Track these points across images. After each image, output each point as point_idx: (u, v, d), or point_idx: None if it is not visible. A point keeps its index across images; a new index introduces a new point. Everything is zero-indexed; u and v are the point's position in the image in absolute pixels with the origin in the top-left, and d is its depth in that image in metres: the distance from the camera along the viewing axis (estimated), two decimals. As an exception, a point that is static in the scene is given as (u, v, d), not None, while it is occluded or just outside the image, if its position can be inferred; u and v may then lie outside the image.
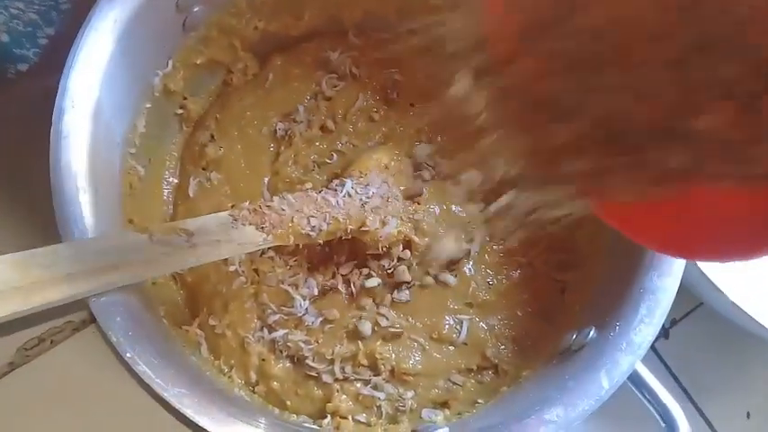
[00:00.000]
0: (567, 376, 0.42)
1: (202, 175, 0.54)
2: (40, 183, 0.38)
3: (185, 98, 0.53)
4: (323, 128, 0.56)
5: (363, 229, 0.49)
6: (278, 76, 0.57)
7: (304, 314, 0.51)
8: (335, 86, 0.57)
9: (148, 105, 0.48)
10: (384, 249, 0.50)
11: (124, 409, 0.49)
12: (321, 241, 0.49)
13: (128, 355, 0.37)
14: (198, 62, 0.52)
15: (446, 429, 0.44)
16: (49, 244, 0.36)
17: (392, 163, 0.53)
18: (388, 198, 0.50)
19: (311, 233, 0.47)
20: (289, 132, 0.55)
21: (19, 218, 0.47)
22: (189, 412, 0.37)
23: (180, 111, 0.54)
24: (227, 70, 0.55)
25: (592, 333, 0.44)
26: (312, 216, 0.47)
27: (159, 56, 0.48)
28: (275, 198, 0.47)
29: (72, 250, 0.36)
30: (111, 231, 0.40)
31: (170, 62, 0.49)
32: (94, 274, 0.36)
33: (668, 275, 0.43)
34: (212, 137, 0.55)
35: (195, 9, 0.48)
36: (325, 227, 0.47)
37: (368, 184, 0.50)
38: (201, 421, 0.37)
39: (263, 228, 0.45)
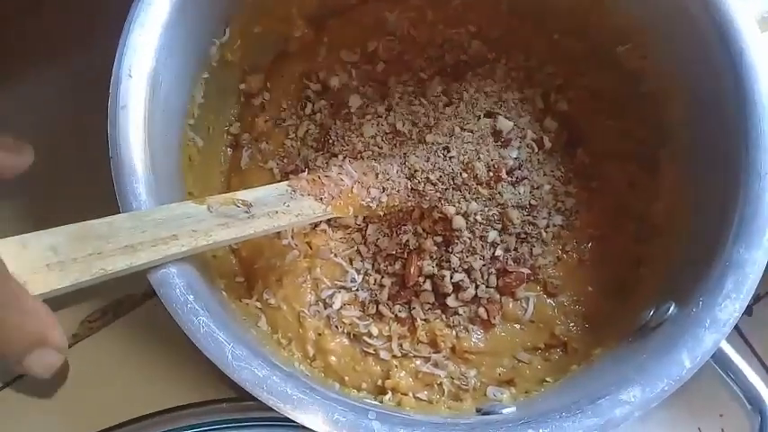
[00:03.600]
0: (645, 355, 0.39)
1: (254, 147, 0.53)
2: (99, 153, 0.37)
3: (246, 73, 0.52)
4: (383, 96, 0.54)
5: (423, 204, 0.47)
6: (333, 40, 0.55)
7: (357, 289, 0.50)
8: (392, 50, 0.55)
9: (206, 76, 0.47)
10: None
11: (184, 379, 0.50)
12: (381, 213, 0.47)
13: (187, 326, 0.36)
14: (255, 31, 0.50)
15: (513, 409, 0.42)
16: (109, 215, 0.35)
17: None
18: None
19: (371, 204, 0.46)
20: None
21: (78, 188, 0.48)
22: (247, 385, 0.36)
23: (242, 85, 0.53)
24: (284, 39, 0.54)
25: (672, 309, 0.41)
26: (372, 187, 0.45)
27: (217, 24, 0.47)
28: (334, 168, 0.46)
29: (131, 221, 0.35)
30: (170, 202, 0.40)
31: (227, 30, 0.48)
32: (153, 246, 0.35)
33: (757, 248, 0.39)
34: (263, 106, 0.54)
35: (253, -27, 0.46)
36: (385, 199, 0.46)
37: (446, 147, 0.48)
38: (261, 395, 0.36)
39: (321, 199, 0.44)
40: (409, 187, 0.48)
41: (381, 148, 0.51)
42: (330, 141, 0.52)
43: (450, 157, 0.49)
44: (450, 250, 0.49)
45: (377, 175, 0.47)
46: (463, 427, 0.37)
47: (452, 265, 0.48)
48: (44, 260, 0.31)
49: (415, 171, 0.48)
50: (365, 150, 0.51)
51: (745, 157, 0.41)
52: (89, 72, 0.43)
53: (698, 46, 0.45)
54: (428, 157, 0.49)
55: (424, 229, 0.49)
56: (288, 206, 0.43)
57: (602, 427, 0.37)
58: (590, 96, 0.54)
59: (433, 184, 0.48)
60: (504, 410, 0.42)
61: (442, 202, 0.48)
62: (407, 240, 0.49)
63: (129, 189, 0.38)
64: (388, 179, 0.48)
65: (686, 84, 0.47)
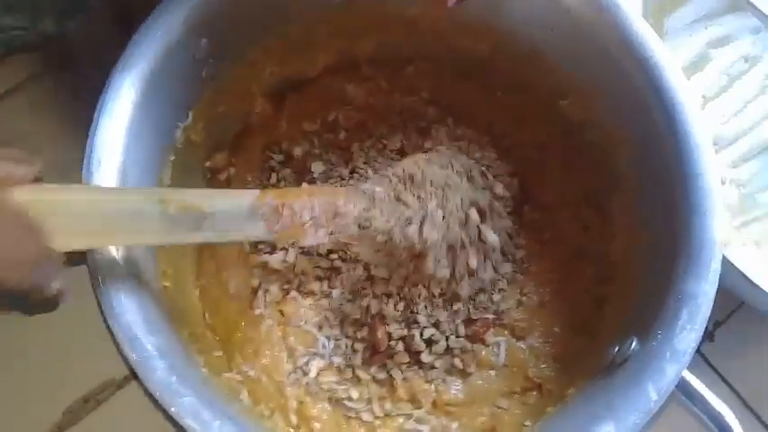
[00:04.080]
0: (614, 391, 0.41)
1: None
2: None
3: (210, 150, 0.54)
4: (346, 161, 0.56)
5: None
6: (294, 112, 0.57)
7: (331, 355, 0.51)
8: (352, 118, 0.58)
9: (173, 158, 0.49)
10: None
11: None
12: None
13: (172, 409, 0.37)
14: (218, 111, 0.52)
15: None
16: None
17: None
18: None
19: (312, 243, 0.46)
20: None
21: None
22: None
23: (207, 163, 0.54)
24: (245, 114, 0.56)
25: (634, 344, 0.43)
26: (321, 227, 0.45)
27: (180, 109, 0.49)
28: (296, 201, 0.45)
29: (84, 204, 0.36)
30: (126, 191, 0.41)
31: (190, 114, 0.50)
32: (97, 234, 0.37)
33: (705, 280, 0.42)
34: (229, 181, 0.56)
35: (211, 60, 0.49)
36: (326, 240, 0.46)
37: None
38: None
39: (272, 228, 0.43)
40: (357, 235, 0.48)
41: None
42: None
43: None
44: (415, 310, 0.50)
45: (334, 215, 0.46)
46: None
47: (420, 323, 0.50)
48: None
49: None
50: None
51: (686, 197, 0.44)
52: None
53: (634, 98, 0.48)
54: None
55: (383, 293, 0.51)
56: (240, 224, 0.42)
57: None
58: (537, 150, 0.57)
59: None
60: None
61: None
62: (368, 305, 0.51)
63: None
64: (343, 224, 0.46)
65: (629, 131, 0.50)
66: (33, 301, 0.33)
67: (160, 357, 0.38)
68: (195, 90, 0.49)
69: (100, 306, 0.39)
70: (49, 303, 0.34)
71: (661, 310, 0.42)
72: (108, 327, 0.39)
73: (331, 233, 0.45)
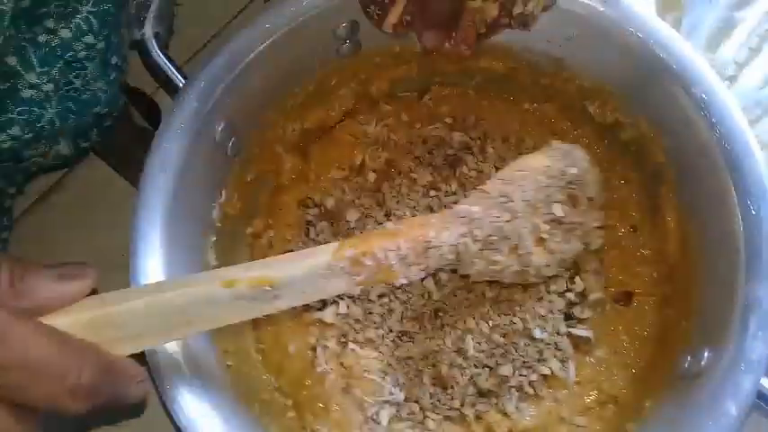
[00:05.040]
0: (693, 409, 0.40)
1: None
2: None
3: (249, 217, 0.54)
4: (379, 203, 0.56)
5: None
6: (320, 162, 0.58)
7: (399, 401, 0.51)
8: (378, 158, 0.57)
9: (214, 239, 0.50)
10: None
11: None
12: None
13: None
14: (248, 180, 0.53)
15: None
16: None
17: None
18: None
19: (403, 281, 0.42)
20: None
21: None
22: None
23: (248, 230, 0.55)
24: (276, 175, 0.56)
25: (707, 355, 0.42)
26: (415, 264, 0.41)
27: (213, 189, 0.50)
28: (378, 249, 0.40)
29: (146, 308, 0.35)
30: (190, 282, 0.38)
31: (223, 192, 0.50)
32: (162, 332, 0.36)
33: (768, 281, 0.40)
34: (271, 244, 0.56)
35: (233, 139, 0.49)
36: (422, 274, 0.42)
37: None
38: None
39: (354, 279, 0.40)
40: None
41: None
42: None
43: None
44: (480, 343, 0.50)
45: (425, 250, 0.42)
46: None
47: (495, 356, 0.50)
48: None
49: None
50: None
51: (736, 182, 0.43)
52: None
53: (663, 92, 0.47)
54: None
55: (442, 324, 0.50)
56: (316, 285, 0.39)
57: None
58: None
59: None
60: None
61: None
62: (430, 345, 0.51)
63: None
64: (438, 255, 0.42)
65: (662, 124, 0.49)
66: (118, 409, 0.33)
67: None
68: (224, 169, 0.50)
69: (165, 407, 0.40)
70: (134, 409, 0.34)
71: (729, 319, 0.41)
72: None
73: (425, 268, 0.42)
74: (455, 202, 0.52)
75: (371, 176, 0.57)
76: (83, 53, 0.43)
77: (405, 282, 0.42)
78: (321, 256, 0.39)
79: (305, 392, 0.51)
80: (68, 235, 0.57)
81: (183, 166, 0.45)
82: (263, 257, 0.54)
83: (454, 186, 0.56)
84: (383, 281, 0.42)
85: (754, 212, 0.43)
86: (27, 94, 0.41)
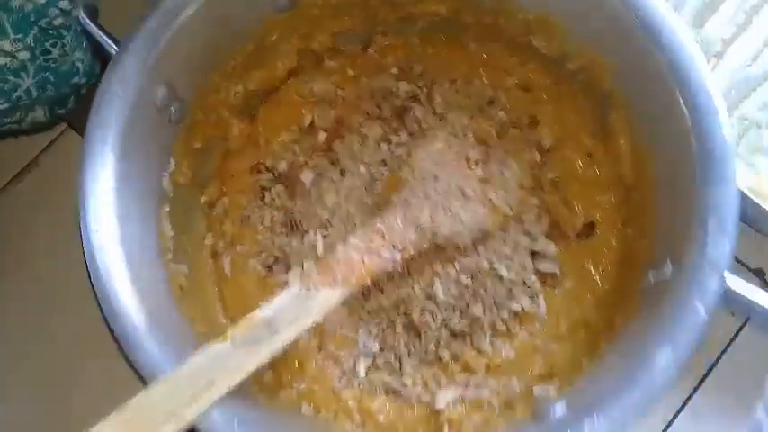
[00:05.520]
0: (662, 316, 0.41)
1: (231, 252, 0.54)
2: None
3: (201, 186, 0.53)
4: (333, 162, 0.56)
5: (437, 240, 0.48)
6: (268, 125, 0.57)
7: (375, 351, 0.51)
8: (326, 117, 0.57)
9: (167, 209, 0.48)
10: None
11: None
12: (400, 269, 0.49)
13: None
14: (196, 147, 0.51)
15: (563, 402, 0.43)
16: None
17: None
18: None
19: (387, 267, 0.47)
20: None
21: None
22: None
23: (202, 199, 0.54)
24: (224, 141, 0.55)
25: (670, 266, 0.43)
26: (383, 248, 0.46)
27: (161, 159, 0.48)
28: (339, 248, 0.46)
29: (166, 387, 0.36)
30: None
31: (171, 160, 0.49)
32: (194, 401, 0.37)
33: (724, 181, 0.41)
34: (226, 212, 0.55)
35: (175, 104, 0.47)
36: (398, 255, 0.47)
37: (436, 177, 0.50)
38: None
39: (336, 283, 0.44)
40: (419, 231, 0.48)
41: (348, 210, 0.53)
42: (297, 221, 0.53)
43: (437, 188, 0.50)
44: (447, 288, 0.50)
45: (383, 236, 0.47)
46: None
47: (464, 298, 0.50)
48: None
49: (419, 214, 0.48)
50: (332, 217, 0.52)
51: (686, 100, 0.43)
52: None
53: (608, 19, 0.47)
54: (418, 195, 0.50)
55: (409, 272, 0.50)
56: (306, 306, 0.43)
57: (648, 397, 0.38)
58: (523, 92, 0.56)
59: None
60: (557, 408, 0.43)
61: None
62: (399, 295, 0.51)
63: (143, 359, 0.39)
64: (395, 234, 0.47)
65: (610, 53, 0.49)
66: None
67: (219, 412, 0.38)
68: (169, 135, 0.48)
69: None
70: None
71: (688, 225, 0.41)
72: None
73: (398, 248, 0.46)
74: (408, 153, 0.52)
75: (322, 136, 0.57)
76: (58, 20, 0.42)
77: (387, 265, 0.46)
78: (291, 289, 0.44)
79: (280, 356, 0.51)
80: (47, 213, 0.57)
81: (125, 135, 0.43)
82: (219, 227, 0.54)
83: (404, 137, 0.55)
84: (367, 274, 0.45)
85: (704, 126, 0.43)
86: (1, 61, 0.41)
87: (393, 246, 0.47)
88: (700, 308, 0.39)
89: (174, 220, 0.49)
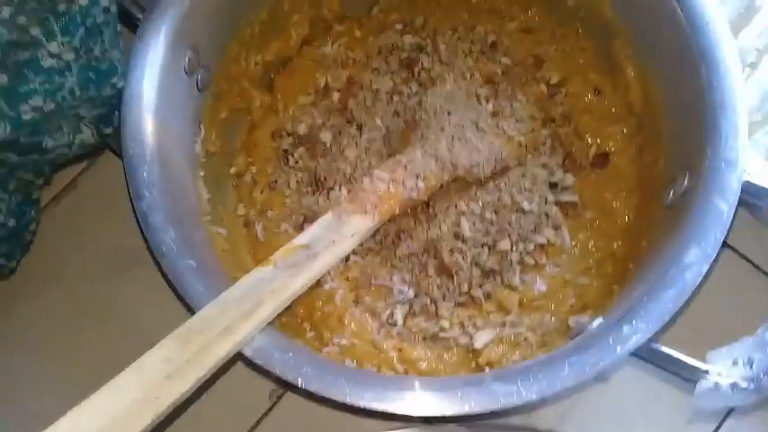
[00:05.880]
0: (686, 220, 0.42)
1: (263, 219, 0.56)
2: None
3: (230, 157, 0.56)
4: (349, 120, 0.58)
5: (458, 171, 0.50)
6: (286, 92, 0.59)
7: (410, 298, 0.52)
8: (339, 77, 0.59)
9: (202, 173, 0.51)
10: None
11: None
12: (425, 198, 0.51)
13: (299, 381, 0.39)
14: (223, 116, 0.54)
15: (600, 320, 0.44)
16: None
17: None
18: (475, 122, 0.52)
19: (413, 195, 0.49)
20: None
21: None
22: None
23: (231, 170, 0.56)
24: (248, 112, 0.57)
25: (687, 178, 0.44)
26: (406, 179, 0.49)
27: (193, 124, 0.51)
28: (364, 179, 0.49)
29: (217, 308, 0.38)
30: (240, 276, 0.43)
31: (201, 127, 0.51)
32: (245, 319, 0.38)
33: (731, 89, 0.43)
34: (254, 180, 0.57)
35: (201, 69, 0.50)
36: (422, 184, 0.49)
37: (449, 113, 0.52)
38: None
39: (366, 211, 0.47)
40: (440, 162, 0.51)
41: (370, 161, 0.54)
42: (322, 180, 0.55)
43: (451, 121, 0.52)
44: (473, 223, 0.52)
45: (405, 167, 0.50)
46: (571, 351, 0.40)
47: (490, 234, 0.52)
48: (163, 373, 0.34)
49: (437, 146, 0.51)
50: (355, 171, 0.54)
51: (684, 22, 0.46)
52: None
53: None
54: (435, 130, 0.52)
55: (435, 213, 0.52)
56: (341, 232, 0.46)
57: (681, 294, 0.40)
58: (526, 33, 0.58)
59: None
60: (594, 324, 0.44)
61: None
62: (428, 236, 0.52)
63: (193, 292, 0.41)
64: (416, 165, 0.50)
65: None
66: None
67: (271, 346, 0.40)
68: (198, 103, 0.51)
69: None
70: None
71: (701, 132, 0.43)
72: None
73: (421, 177, 0.49)
74: (419, 103, 0.54)
75: (336, 96, 0.59)
76: (101, 17, 0.43)
77: (412, 197, 0.49)
78: (324, 216, 0.47)
79: (318, 313, 0.52)
80: (86, 233, 0.57)
81: (160, 95, 0.46)
82: (249, 195, 0.56)
83: (415, 87, 0.57)
84: (395, 201, 0.48)
85: (703, 32, 0.45)
86: (48, 63, 0.42)
87: (416, 175, 0.49)
88: (721, 204, 0.41)
89: (210, 187, 0.51)
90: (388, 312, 0.52)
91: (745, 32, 0.55)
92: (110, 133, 0.48)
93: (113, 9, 0.44)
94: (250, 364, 0.40)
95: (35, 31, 0.40)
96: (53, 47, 0.41)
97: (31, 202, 0.51)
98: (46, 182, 0.51)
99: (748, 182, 0.43)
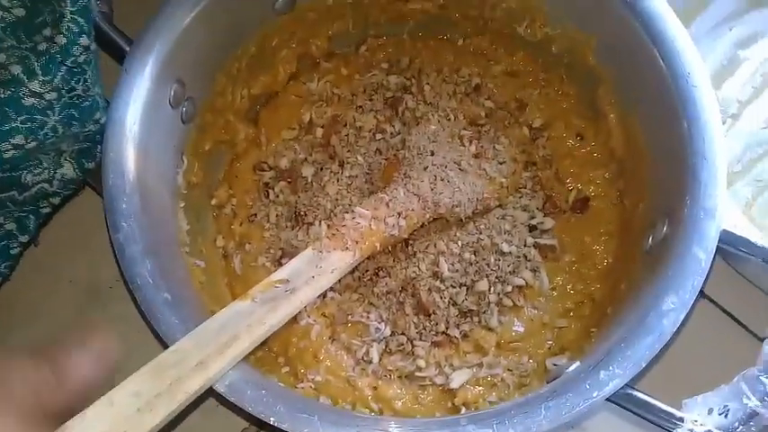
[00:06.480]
0: (663, 267, 0.43)
1: (241, 251, 0.55)
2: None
3: (211, 189, 0.56)
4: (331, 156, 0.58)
5: (439, 210, 0.50)
6: (270, 126, 0.59)
7: (386, 337, 0.52)
8: (323, 114, 0.60)
9: (183, 204, 0.50)
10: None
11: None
12: (406, 236, 0.51)
13: (272, 419, 0.38)
14: (206, 148, 0.54)
15: (577, 363, 0.44)
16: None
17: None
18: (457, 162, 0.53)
19: (393, 233, 0.49)
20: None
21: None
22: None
23: (212, 201, 0.56)
24: (232, 145, 0.57)
25: (666, 225, 0.45)
26: (388, 216, 0.49)
27: (174, 155, 0.50)
28: (346, 216, 0.49)
29: (192, 341, 0.38)
30: (218, 309, 0.42)
31: (184, 158, 0.51)
32: (220, 354, 0.38)
33: (710, 137, 0.44)
34: (234, 212, 0.57)
35: (185, 102, 0.50)
36: (403, 222, 0.49)
37: (432, 152, 0.52)
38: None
39: (347, 247, 0.47)
40: (422, 201, 0.51)
41: (351, 198, 0.54)
42: (302, 214, 0.55)
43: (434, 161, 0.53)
44: (452, 264, 0.52)
45: (387, 204, 0.50)
46: (547, 395, 0.40)
47: (469, 274, 0.52)
48: (133, 407, 0.34)
49: (419, 184, 0.51)
50: (335, 207, 0.54)
51: (669, 66, 0.47)
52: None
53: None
54: (417, 168, 0.52)
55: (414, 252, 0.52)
56: (320, 267, 0.46)
57: (658, 340, 0.40)
58: (510, 78, 0.59)
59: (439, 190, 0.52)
60: (571, 369, 0.44)
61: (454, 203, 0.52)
62: (407, 275, 0.52)
63: (166, 325, 0.40)
64: (398, 203, 0.50)
65: (591, 30, 0.53)
66: None
67: (244, 381, 0.40)
68: (181, 135, 0.51)
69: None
70: None
71: (681, 180, 0.44)
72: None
73: (403, 215, 0.49)
74: (402, 142, 0.55)
75: (319, 132, 0.59)
76: (82, 57, 0.43)
77: (393, 233, 0.49)
78: (305, 252, 0.47)
79: (293, 349, 0.52)
80: (63, 269, 0.57)
81: (143, 129, 0.46)
82: (228, 228, 0.56)
83: (398, 126, 0.58)
84: (375, 239, 0.48)
85: (687, 83, 0.46)
86: (29, 101, 0.42)
87: (398, 213, 0.49)
88: (699, 253, 0.41)
89: (189, 217, 0.51)
90: (363, 350, 0.51)
91: (727, 84, 0.57)
92: (92, 168, 0.48)
93: (93, 47, 0.44)
94: (222, 400, 0.39)
95: (15, 70, 0.40)
96: (34, 85, 0.41)
97: (9, 257, 0.50)
98: (31, 239, 0.51)
99: (726, 231, 0.43)
